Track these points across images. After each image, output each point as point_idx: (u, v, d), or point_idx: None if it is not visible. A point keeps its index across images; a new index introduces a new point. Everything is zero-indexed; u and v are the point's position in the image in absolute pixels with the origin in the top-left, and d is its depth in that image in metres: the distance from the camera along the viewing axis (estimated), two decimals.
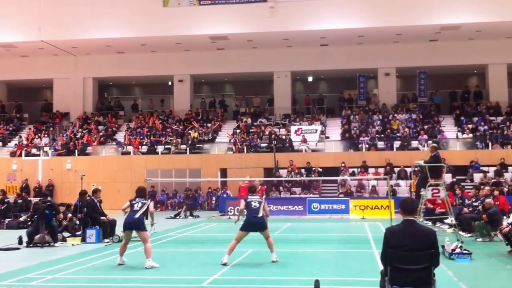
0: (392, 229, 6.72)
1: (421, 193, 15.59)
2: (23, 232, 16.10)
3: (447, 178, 25.50)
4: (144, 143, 34.82)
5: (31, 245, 15.19)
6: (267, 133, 34.29)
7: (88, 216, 16.21)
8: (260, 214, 12.07)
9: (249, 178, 25.37)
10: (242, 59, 37.37)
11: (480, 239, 15.53)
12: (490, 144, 31.28)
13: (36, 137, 36.80)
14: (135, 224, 11.94)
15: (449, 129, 33.99)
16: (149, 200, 12.42)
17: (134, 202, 12.19)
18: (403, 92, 38.73)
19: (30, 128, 38.30)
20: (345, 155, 31.77)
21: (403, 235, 6.51)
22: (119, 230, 16.74)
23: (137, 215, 11.93)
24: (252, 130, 35.27)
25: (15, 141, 37.22)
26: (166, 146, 34.29)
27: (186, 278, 10.37)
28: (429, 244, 6.44)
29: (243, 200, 12.54)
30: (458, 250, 12.16)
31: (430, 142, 29.17)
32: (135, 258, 13.08)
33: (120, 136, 36.39)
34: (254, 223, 12.00)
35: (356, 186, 29.53)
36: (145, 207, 12.04)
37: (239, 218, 12.50)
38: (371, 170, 30.19)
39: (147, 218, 12.48)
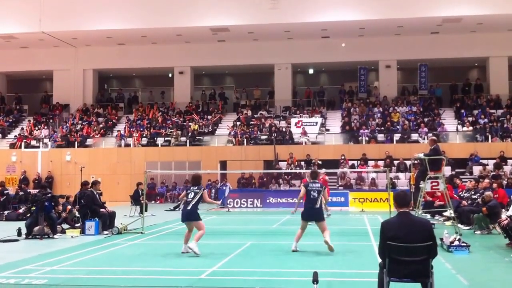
0: (388, 222, 6.76)
1: (420, 185, 15.59)
2: (22, 224, 16.10)
3: (447, 170, 25.49)
4: (144, 135, 34.81)
5: (30, 236, 15.19)
6: (267, 125, 34.26)
7: (88, 208, 16.21)
8: (318, 205, 12.06)
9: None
10: (243, 51, 37.29)
11: (478, 232, 15.54)
12: (490, 137, 31.25)
13: (36, 128, 36.78)
14: (187, 216, 12.12)
15: (449, 121, 33.95)
16: (203, 189, 12.36)
17: (189, 191, 12.34)
18: (403, 84, 38.68)
19: (29, 120, 38.26)
20: (345, 148, 31.75)
21: (399, 226, 6.55)
22: (118, 222, 16.83)
23: (189, 207, 12.08)
24: (252, 122, 35.24)
25: (14, 132, 37.21)
26: (166, 138, 34.27)
27: (185, 270, 10.38)
28: (426, 235, 6.48)
29: (303, 187, 12.54)
30: (456, 243, 12.16)
31: (430, 134, 29.16)
32: (134, 250, 13.11)
33: (120, 128, 36.35)
34: (312, 214, 12.12)
35: (356, 178, 29.51)
36: (197, 197, 12.09)
37: (297, 207, 12.71)
38: (371, 163, 30.17)
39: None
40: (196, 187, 12.31)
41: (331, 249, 11.85)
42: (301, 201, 12.68)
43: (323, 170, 22.07)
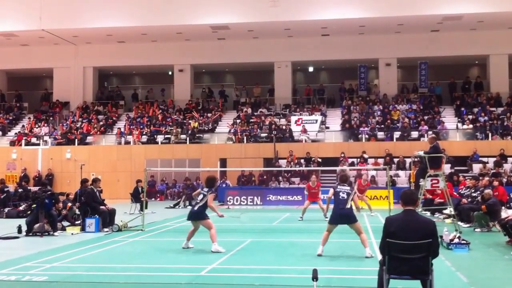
0: (391, 218, 6.80)
1: (420, 183, 15.58)
2: (22, 221, 16.12)
3: (446, 168, 25.50)
4: (144, 133, 34.82)
5: (31, 234, 15.20)
6: (267, 123, 34.26)
7: (88, 205, 16.23)
8: (348, 206, 11.36)
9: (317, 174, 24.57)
10: (243, 49, 37.29)
11: (478, 230, 15.55)
12: (490, 135, 31.26)
13: (36, 126, 36.79)
14: (194, 216, 12.23)
15: (449, 119, 33.96)
16: (211, 192, 12.37)
17: (201, 192, 12.47)
18: (403, 82, 38.68)
19: (29, 118, 38.27)
20: (345, 146, 31.77)
21: (402, 223, 6.57)
22: (118, 219, 16.84)
23: (196, 207, 12.22)
24: (252, 120, 35.25)
25: (15, 130, 37.23)
26: (166, 136, 34.29)
27: (185, 267, 10.39)
28: (428, 234, 6.48)
29: (332, 189, 11.96)
30: (456, 240, 12.17)
31: (430, 132, 29.16)
32: (134, 247, 13.12)
33: (120, 126, 36.35)
34: (341, 215, 11.33)
35: (356, 176, 29.48)
36: (205, 199, 12.17)
37: (327, 209, 12.29)
38: (371, 161, 30.18)
39: None
40: (207, 189, 12.42)
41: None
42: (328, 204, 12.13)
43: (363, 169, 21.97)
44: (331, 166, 28.47)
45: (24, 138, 34.90)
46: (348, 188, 11.67)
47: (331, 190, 11.91)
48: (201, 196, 12.29)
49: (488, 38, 35.13)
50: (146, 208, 18.91)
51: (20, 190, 24.76)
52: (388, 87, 37.25)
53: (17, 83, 42.42)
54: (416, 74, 37.19)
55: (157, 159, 32.54)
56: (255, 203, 27.52)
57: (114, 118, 37.72)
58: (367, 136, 32.35)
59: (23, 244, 13.98)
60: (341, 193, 11.45)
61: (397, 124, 33.13)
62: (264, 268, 10.23)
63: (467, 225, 16.35)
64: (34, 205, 16.08)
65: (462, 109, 34.17)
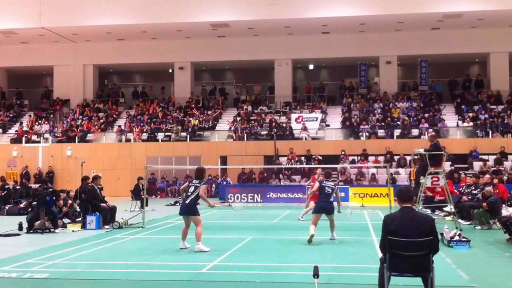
0: (390, 216, 6.80)
1: (420, 181, 15.60)
2: (23, 218, 16.15)
3: (447, 166, 25.52)
4: (144, 130, 34.83)
5: (32, 231, 15.24)
6: (267, 121, 34.26)
7: (88, 202, 16.25)
8: (332, 199, 13.20)
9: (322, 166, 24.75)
10: (243, 46, 37.27)
11: (479, 227, 15.56)
12: (490, 132, 31.27)
13: (37, 124, 36.80)
14: (185, 210, 11.96)
15: (449, 117, 33.95)
16: (202, 183, 12.07)
17: (191, 184, 12.19)
18: (404, 80, 38.67)
19: (30, 115, 38.25)
20: (345, 143, 31.77)
21: (402, 221, 6.58)
22: (119, 216, 16.87)
23: (188, 200, 11.93)
24: (253, 117, 35.25)
25: (15, 127, 37.23)
26: (167, 134, 34.29)
27: (186, 264, 10.41)
28: (427, 230, 6.50)
29: (317, 183, 13.75)
30: (456, 238, 12.19)
31: (430, 130, 29.16)
32: (135, 244, 13.14)
33: (120, 123, 36.34)
34: (325, 207, 13.08)
35: (356, 174, 29.55)
36: (197, 191, 11.88)
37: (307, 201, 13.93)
38: (371, 158, 30.19)
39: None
40: (198, 181, 12.10)
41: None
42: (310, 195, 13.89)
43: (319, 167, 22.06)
44: (332, 163, 28.45)
45: (24, 135, 34.92)
46: (332, 184, 13.49)
47: (317, 184, 13.65)
48: (192, 188, 11.97)
49: (489, 36, 35.10)
50: (146, 205, 18.94)
51: (18, 187, 24.78)
52: (388, 85, 37.23)
53: (17, 80, 42.41)
54: (416, 72, 37.18)
55: (158, 157, 32.58)
56: (255, 200, 27.52)
57: (114, 116, 37.73)
58: (367, 133, 32.35)
59: (24, 241, 14.00)
60: (326, 188, 13.21)
61: (398, 122, 33.13)
62: (265, 265, 10.25)
63: (468, 222, 16.36)
64: (35, 203, 16.10)
65: (463, 107, 34.16)
